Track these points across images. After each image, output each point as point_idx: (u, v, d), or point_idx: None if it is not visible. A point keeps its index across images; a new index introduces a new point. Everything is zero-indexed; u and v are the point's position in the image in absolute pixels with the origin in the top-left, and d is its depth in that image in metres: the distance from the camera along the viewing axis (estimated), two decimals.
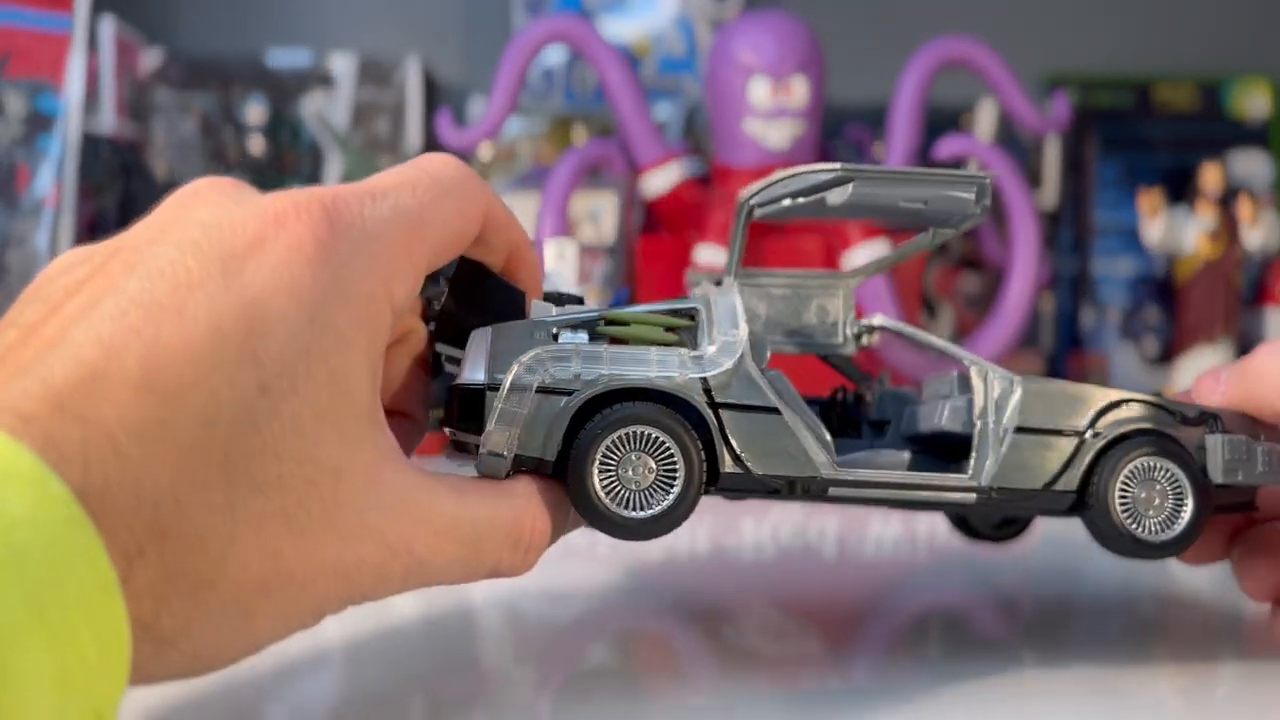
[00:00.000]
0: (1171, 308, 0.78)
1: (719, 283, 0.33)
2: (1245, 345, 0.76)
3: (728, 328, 0.30)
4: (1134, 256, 0.82)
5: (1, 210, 0.64)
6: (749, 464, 0.30)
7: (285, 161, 0.79)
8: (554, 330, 0.30)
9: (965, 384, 0.33)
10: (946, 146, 0.65)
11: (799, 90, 0.63)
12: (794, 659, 0.36)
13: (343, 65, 0.79)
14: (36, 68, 0.67)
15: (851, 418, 0.37)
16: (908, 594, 0.46)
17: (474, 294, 0.32)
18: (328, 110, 0.78)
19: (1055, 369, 0.83)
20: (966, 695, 0.33)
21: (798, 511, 0.57)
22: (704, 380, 0.29)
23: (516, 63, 0.62)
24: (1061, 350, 0.84)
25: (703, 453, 0.29)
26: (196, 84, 0.78)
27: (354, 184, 0.28)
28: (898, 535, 0.53)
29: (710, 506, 0.53)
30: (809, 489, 0.30)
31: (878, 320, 0.36)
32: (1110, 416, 0.32)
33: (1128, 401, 0.32)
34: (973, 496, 0.31)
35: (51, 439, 0.22)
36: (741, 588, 0.46)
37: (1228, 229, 0.73)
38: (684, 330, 0.31)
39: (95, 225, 0.72)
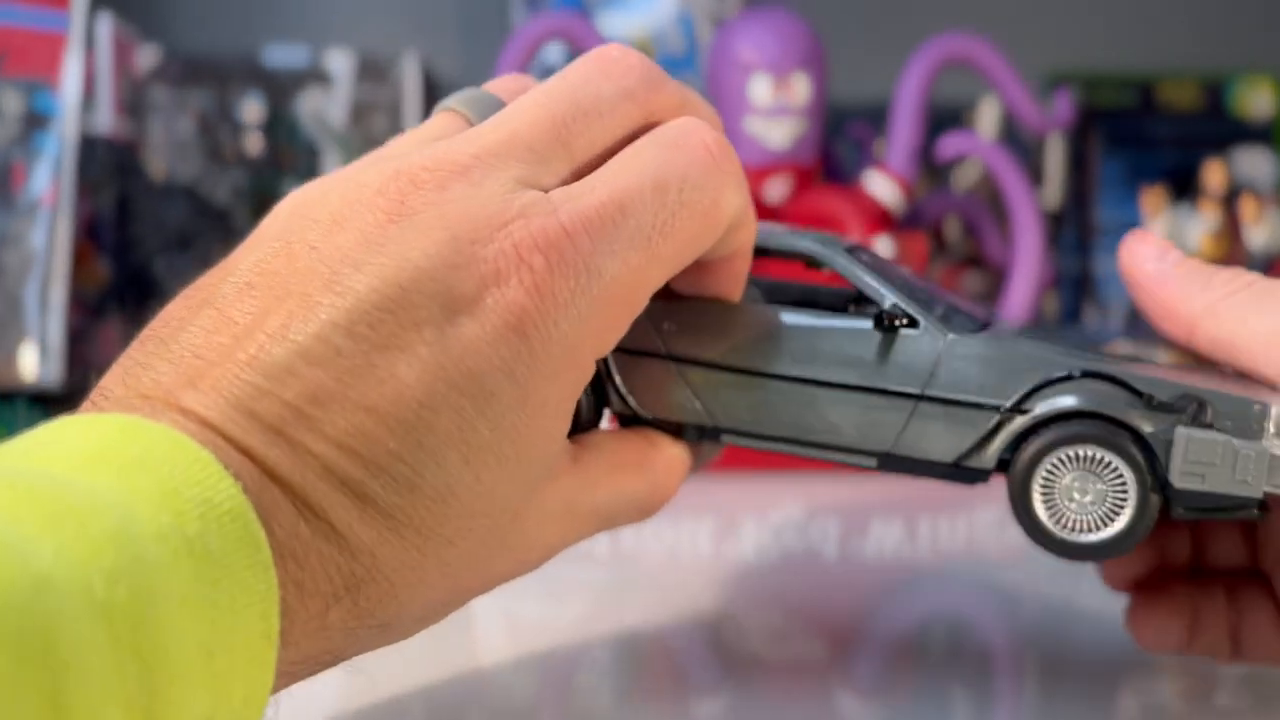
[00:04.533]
0: None
1: None
2: None
3: None
4: None
5: None
6: (634, 405, 0.30)
7: (283, 159, 0.78)
8: None
9: None
10: (949, 144, 0.65)
11: (800, 88, 0.63)
12: (795, 660, 0.36)
13: (340, 62, 0.79)
14: (33, 66, 0.66)
15: None
16: (909, 596, 0.46)
17: None
18: (325, 108, 0.78)
19: None
20: (968, 696, 0.33)
21: (799, 512, 0.57)
22: None
23: (515, 60, 0.62)
24: None
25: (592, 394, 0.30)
26: (193, 82, 0.77)
27: (596, 197, 0.25)
28: (900, 537, 0.53)
29: (711, 507, 0.53)
30: (703, 432, 0.31)
31: None
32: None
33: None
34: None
35: (263, 479, 0.22)
36: (742, 589, 0.46)
37: (1231, 228, 0.73)
38: None
39: (92, 225, 0.72)
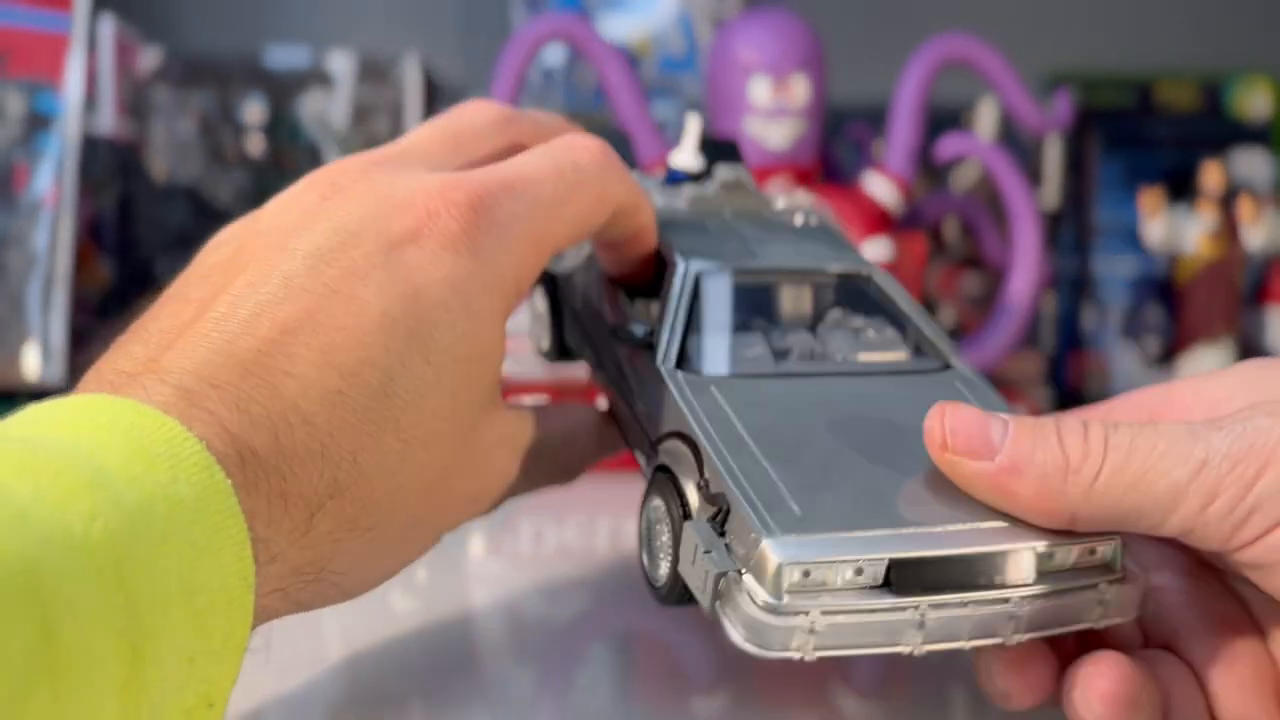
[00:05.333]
0: (1173, 307, 0.78)
1: None
2: (1246, 345, 0.75)
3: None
4: (1135, 256, 0.81)
5: (0, 210, 0.64)
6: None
7: (284, 161, 0.78)
8: None
9: None
10: (947, 145, 0.65)
11: (799, 89, 0.63)
12: (794, 660, 0.36)
13: (341, 63, 0.79)
14: (35, 67, 0.66)
15: None
16: None
17: None
18: (326, 109, 0.78)
19: (1056, 369, 0.83)
20: (968, 696, 0.33)
21: None
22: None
23: (516, 61, 0.62)
24: (1062, 350, 0.84)
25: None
26: (195, 83, 0.78)
27: (502, 172, 0.30)
28: None
29: None
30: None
31: None
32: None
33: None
34: None
35: (241, 403, 0.24)
36: None
37: (1229, 228, 0.73)
38: None
39: (94, 225, 0.72)
